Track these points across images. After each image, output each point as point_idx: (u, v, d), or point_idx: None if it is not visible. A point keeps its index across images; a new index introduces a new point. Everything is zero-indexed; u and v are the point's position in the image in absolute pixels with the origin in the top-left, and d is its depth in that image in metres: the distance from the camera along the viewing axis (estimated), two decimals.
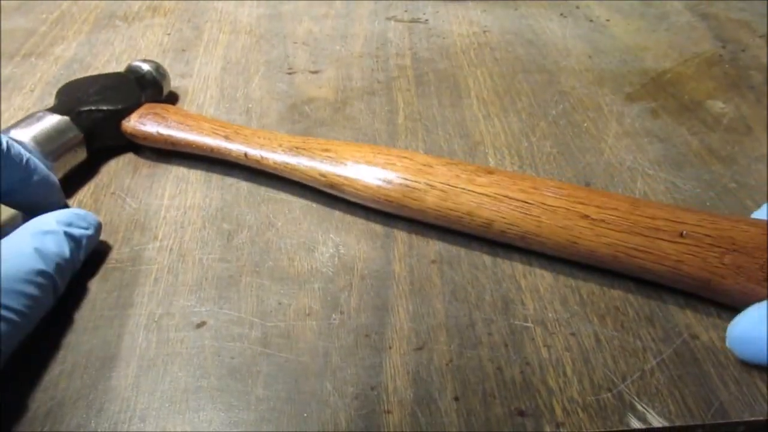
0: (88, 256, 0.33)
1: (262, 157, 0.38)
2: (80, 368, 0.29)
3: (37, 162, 0.34)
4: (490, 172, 0.34)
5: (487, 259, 0.34)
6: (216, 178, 0.40)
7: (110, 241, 0.36)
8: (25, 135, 0.36)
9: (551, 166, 0.41)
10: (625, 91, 0.47)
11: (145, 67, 0.45)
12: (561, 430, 0.26)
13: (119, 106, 0.41)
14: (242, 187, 0.39)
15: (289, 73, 0.51)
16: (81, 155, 0.39)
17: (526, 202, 0.33)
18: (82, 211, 0.33)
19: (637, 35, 0.55)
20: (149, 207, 0.38)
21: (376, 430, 0.26)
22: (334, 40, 0.55)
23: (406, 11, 0.60)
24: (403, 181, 0.34)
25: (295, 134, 0.43)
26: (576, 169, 0.40)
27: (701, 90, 0.47)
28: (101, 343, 0.30)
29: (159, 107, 0.42)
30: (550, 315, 0.31)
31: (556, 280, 0.33)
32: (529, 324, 0.31)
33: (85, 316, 0.31)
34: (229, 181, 0.40)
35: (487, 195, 0.33)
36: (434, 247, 0.35)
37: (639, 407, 0.27)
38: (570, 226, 0.32)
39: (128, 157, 0.42)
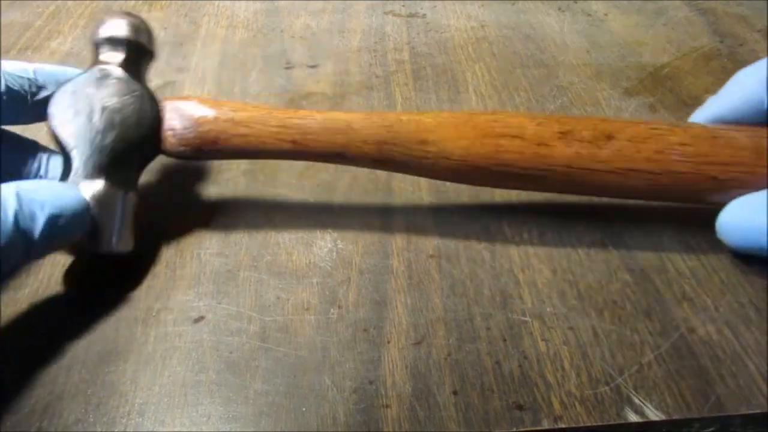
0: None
1: (345, 159, 0.33)
2: (78, 363, 0.29)
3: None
4: (610, 136, 0.31)
5: (486, 253, 0.34)
6: (212, 173, 0.40)
7: None
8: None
9: None
10: (623, 86, 0.47)
11: (122, 31, 0.32)
12: (559, 423, 0.26)
13: (143, 133, 0.31)
14: (239, 181, 0.39)
15: (287, 68, 0.50)
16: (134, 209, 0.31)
17: (653, 173, 0.31)
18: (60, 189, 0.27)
19: (635, 30, 0.54)
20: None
21: (375, 424, 0.27)
22: (331, 34, 0.55)
23: (403, 6, 0.59)
24: (519, 171, 0.32)
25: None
26: None
27: (699, 85, 0.47)
28: (99, 338, 0.30)
29: (180, 103, 0.33)
30: (548, 309, 0.31)
31: (554, 275, 0.33)
32: (527, 318, 0.31)
33: (83, 310, 0.31)
34: (227, 175, 0.40)
35: (613, 172, 0.31)
36: (432, 241, 0.35)
37: (636, 401, 0.27)
38: (698, 191, 0.31)
39: None
